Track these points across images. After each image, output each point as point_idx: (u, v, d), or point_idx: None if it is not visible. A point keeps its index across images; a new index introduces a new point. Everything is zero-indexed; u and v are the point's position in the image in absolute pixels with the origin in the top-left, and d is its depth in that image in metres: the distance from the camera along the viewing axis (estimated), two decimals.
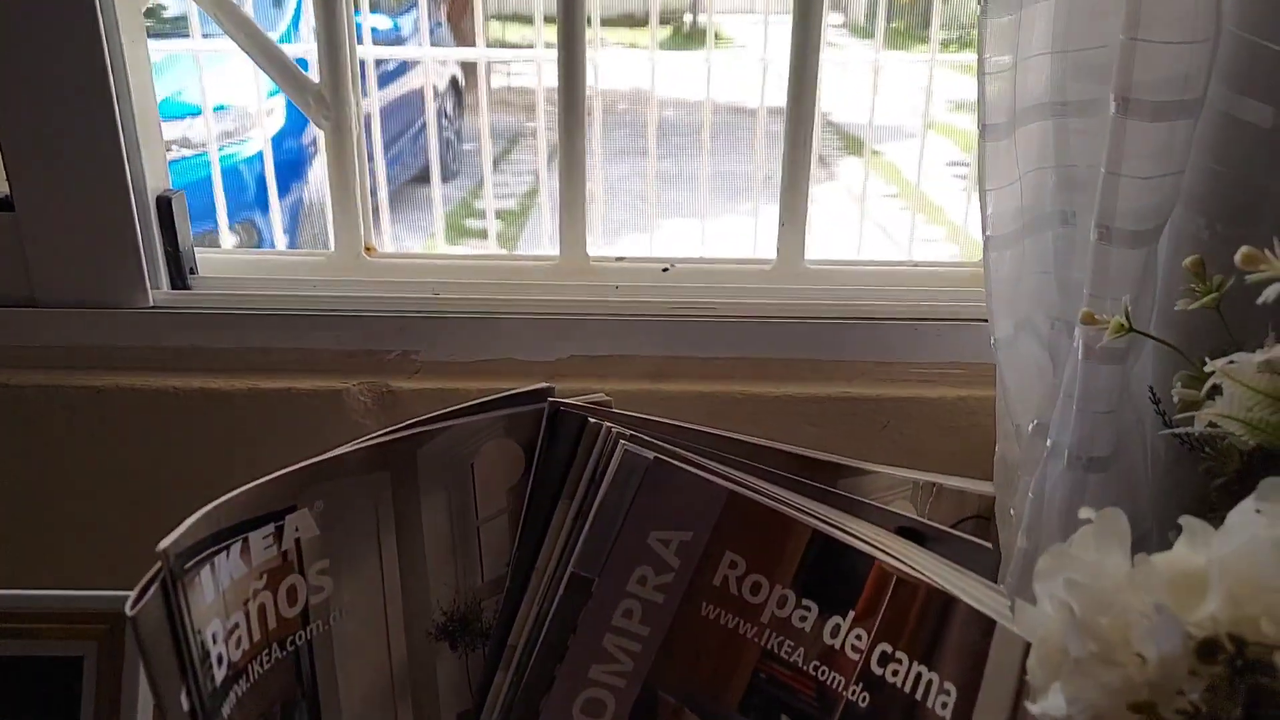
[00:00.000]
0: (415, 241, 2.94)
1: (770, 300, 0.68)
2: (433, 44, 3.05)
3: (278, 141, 2.24)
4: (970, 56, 0.52)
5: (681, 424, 0.55)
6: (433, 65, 2.77)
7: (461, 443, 0.53)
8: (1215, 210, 0.48)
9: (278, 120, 2.29)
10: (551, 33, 0.66)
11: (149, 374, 0.66)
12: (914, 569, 0.47)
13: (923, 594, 0.47)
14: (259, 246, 2.34)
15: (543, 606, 0.54)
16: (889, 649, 0.47)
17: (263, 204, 2.26)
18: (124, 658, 0.52)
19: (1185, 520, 0.35)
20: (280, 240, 2.34)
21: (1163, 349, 0.47)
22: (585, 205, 0.69)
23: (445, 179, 3.29)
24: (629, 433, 0.53)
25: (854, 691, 0.48)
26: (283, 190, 2.39)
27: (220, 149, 2.18)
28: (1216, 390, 0.40)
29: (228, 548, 0.45)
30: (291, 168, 2.40)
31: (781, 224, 0.69)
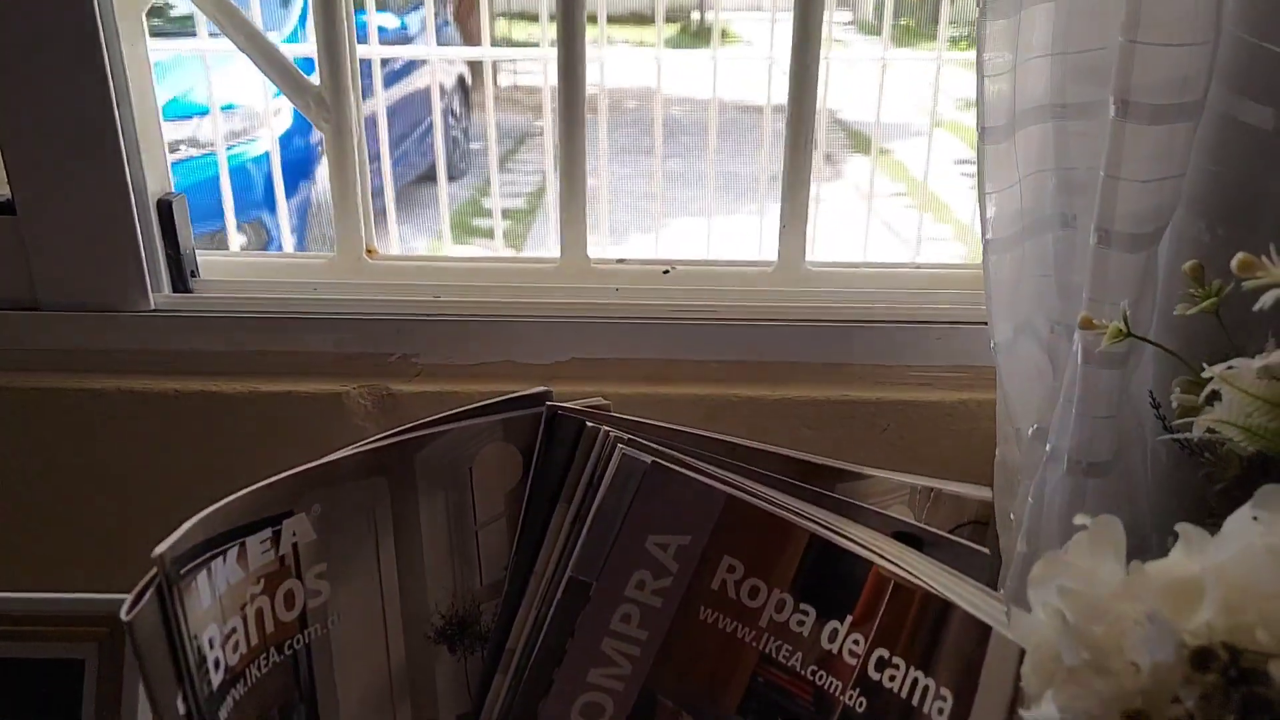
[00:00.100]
0: (422, 240, 2.94)
1: (771, 303, 0.67)
2: (440, 43, 3.05)
3: (285, 141, 2.25)
4: None
5: (680, 428, 0.55)
6: (440, 64, 2.77)
7: (459, 447, 0.53)
8: (1216, 213, 0.47)
9: (285, 119, 2.29)
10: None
11: (150, 377, 0.67)
12: (911, 574, 0.47)
13: (919, 599, 0.46)
14: (268, 246, 2.35)
15: (541, 610, 0.54)
16: (886, 654, 0.47)
17: (271, 203, 2.27)
18: (124, 661, 0.52)
19: (1181, 527, 0.35)
20: (288, 239, 2.34)
21: (1163, 353, 0.46)
22: (585, 208, 0.69)
23: (453, 178, 3.30)
24: (627, 436, 0.53)
25: (851, 696, 0.48)
26: (291, 189, 2.40)
27: (228, 148, 2.19)
28: (1215, 396, 0.40)
29: (224, 552, 0.45)
30: (299, 167, 2.40)
31: (783, 225, 0.68)
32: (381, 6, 2.75)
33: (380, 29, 2.50)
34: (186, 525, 0.43)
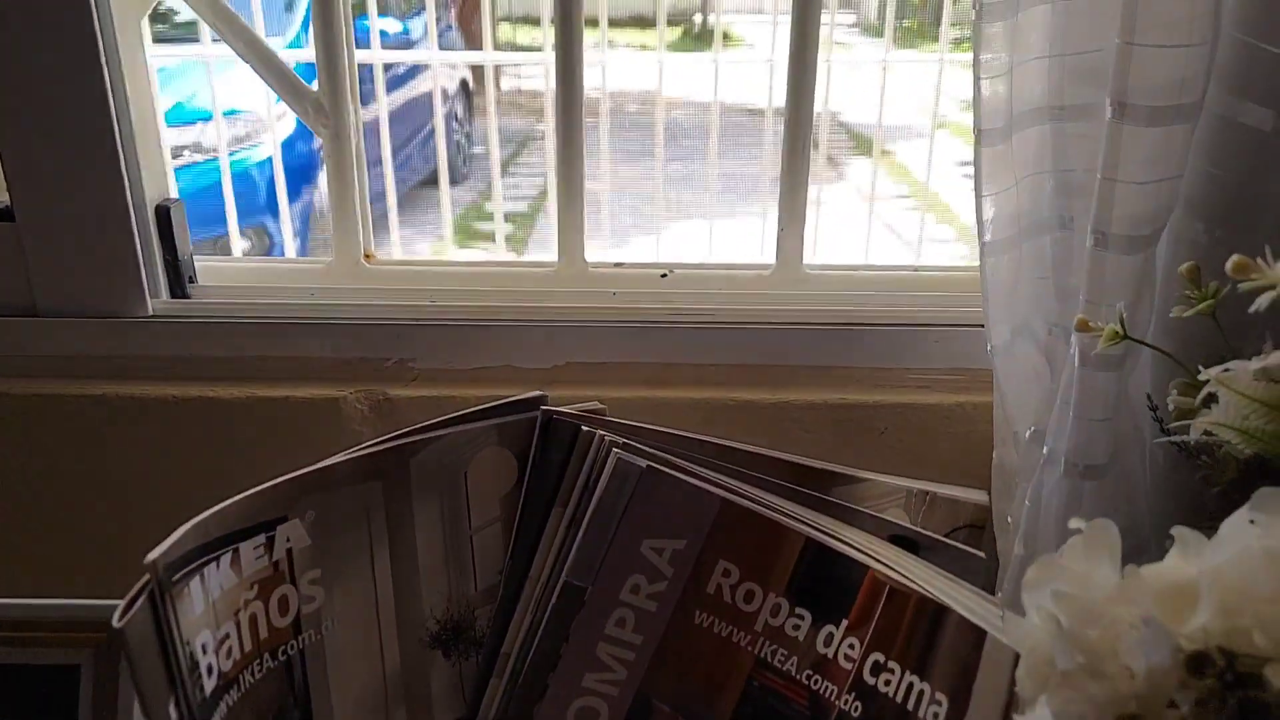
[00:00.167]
0: (426, 244, 2.95)
1: (769, 306, 0.67)
2: (442, 47, 3.06)
3: (288, 146, 2.26)
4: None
5: (675, 431, 0.55)
6: (443, 68, 2.78)
7: (454, 451, 0.53)
8: (1214, 215, 0.47)
9: (288, 125, 2.30)
10: None
11: (149, 382, 0.67)
12: (907, 578, 0.47)
13: (915, 603, 0.46)
14: (270, 250, 2.36)
15: (536, 615, 0.54)
16: (881, 658, 0.47)
17: (274, 208, 2.28)
18: (121, 666, 0.52)
19: (1177, 530, 0.34)
20: (291, 244, 2.35)
21: (1161, 355, 0.46)
22: (583, 212, 0.68)
23: (455, 182, 3.30)
24: (622, 440, 0.53)
25: (847, 701, 0.48)
26: (294, 194, 2.41)
27: (232, 154, 2.19)
28: (1212, 398, 0.39)
29: (218, 558, 0.45)
30: (302, 172, 2.41)
31: (781, 229, 0.68)
32: (384, 11, 2.75)
33: (383, 33, 2.51)
34: (179, 532, 0.42)
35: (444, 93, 3.04)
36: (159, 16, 0.67)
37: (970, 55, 0.50)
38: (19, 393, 0.66)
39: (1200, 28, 0.42)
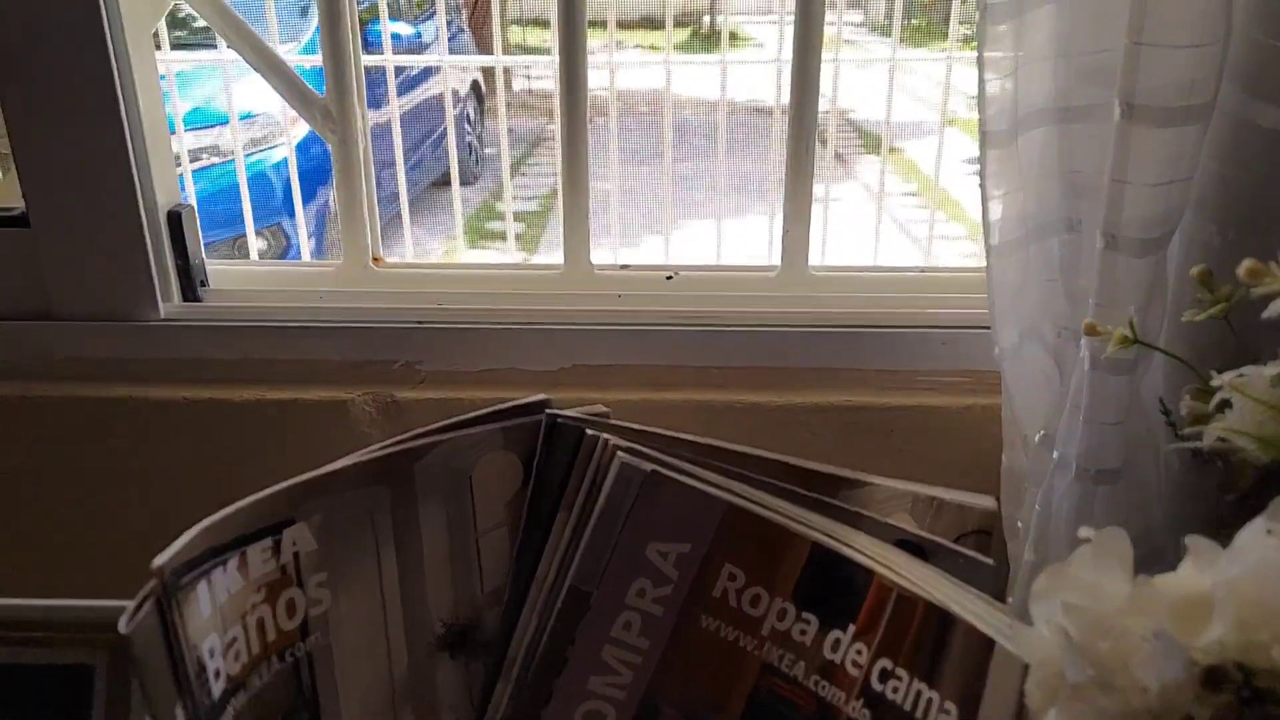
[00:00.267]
0: (438, 243, 2.96)
1: (774, 308, 0.67)
2: (454, 50, 3.07)
3: (304, 148, 2.27)
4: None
5: (679, 435, 0.55)
6: (454, 71, 2.79)
7: (459, 455, 0.53)
8: (1227, 217, 0.46)
9: (304, 127, 2.31)
10: None
11: (160, 385, 0.67)
12: (914, 584, 0.47)
13: (922, 610, 0.46)
14: (287, 250, 2.37)
15: (542, 618, 0.53)
16: (889, 665, 0.47)
17: (290, 209, 2.29)
18: (131, 668, 0.52)
19: (1191, 540, 0.34)
20: (306, 245, 2.36)
21: (1174, 358, 0.45)
22: (589, 216, 0.68)
23: (467, 182, 3.32)
24: (626, 444, 0.53)
25: (855, 708, 0.47)
26: (309, 195, 2.42)
27: (248, 156, 2.21)
28: (1227, 403, 0.39)
29: (225, 562, 0.45)
30: (318, 174, 2.43)
31: (786, 231, 0.68)
32: (395, 15, 2.76)
33: (394, 36, 2.52)
34: (187, 536, 0.43)
35: (455, 95, 3.05)
36: (178, 23, 0.68)
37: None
38: (33, 395, 0.67)
39: (1211, 27, 0.41)
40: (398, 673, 0.54)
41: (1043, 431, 0.52)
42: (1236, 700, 0.31)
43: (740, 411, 0.65)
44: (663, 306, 0.68)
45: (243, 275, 0.73)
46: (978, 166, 0.51)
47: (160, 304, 0.67)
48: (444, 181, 2.98)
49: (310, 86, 0.69)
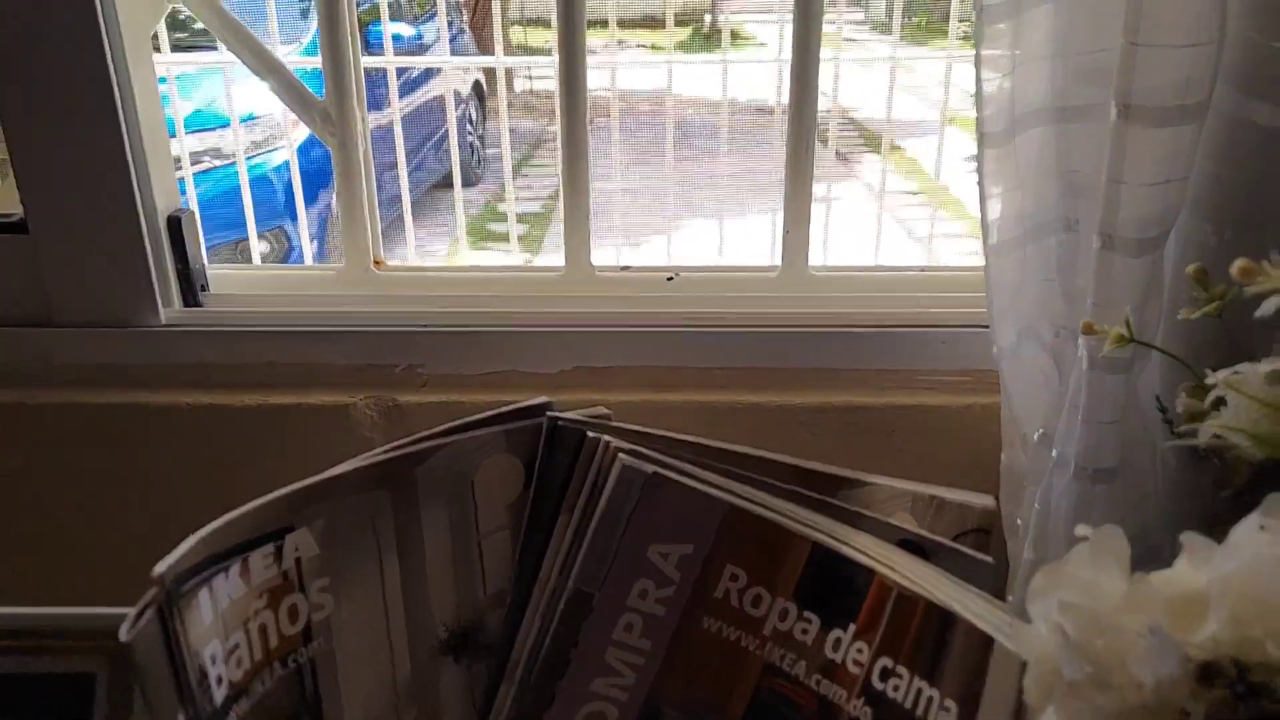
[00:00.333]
0: (441, 244, 2.96)
1: (775, 309, 0.67)
2: (455, 51, 3.07)
3: (305, 150, 2.28)
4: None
5: (680, 436, 0.55)
6: (455, 72, 2.79)
7: (461, 459, 0.53)
8: (1223, 216, 0.47)
9: (305, 129, 2.31)
10: None
11: (162, 391, 0.67)
12: (915, 583, 0.47)
13: (923, 609, 0.46)
14: (289, 253, 2.38)
15: (544, 621, 0.54)
16: (890, 664, 0.47)
17: (292, 212, 2.30)
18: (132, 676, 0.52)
19: (1186, 537, 0.34)
20: (308, 247, 2.37)
21: (1171, 356, 0.45)
22: (589, 218, 0.69)
23: (470, 183, 3.32)
24: (628, 446, 0.53)
25: (856, 706, 0.48)
26: (311, 198, 2.43)
27: (250, 158, 2.21)
28: (1222, 400, 0.39)
29: (226, 568, 0.45)
30: (320, 175, 2.43)
31: (786, 231, 0.68)
32: (397, 16, 2.77)
33: (395, 37, 2.52)
34: (188, 543, 0.43)
35: (457, 95, 3.05)
36: (178, 24, 0.68)
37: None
38: (34, 402, 0.67)
39: (1206, 26, 0.41)
40: (400, 677, 0.54)
41: (1041, 430, 0.52)
42: (1231, 695, 0.31)
43: (741, 412, 0.65)
44: (664, 308, 0.68)
45: (243, 280, 0.73)
46: (976, 165, 0.51)
47: (161, 309, 0.68)
48: (446, 183, 2.98)
49: (310, 89, 0.69)
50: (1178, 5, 0.41)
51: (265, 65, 0.69)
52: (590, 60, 0.66)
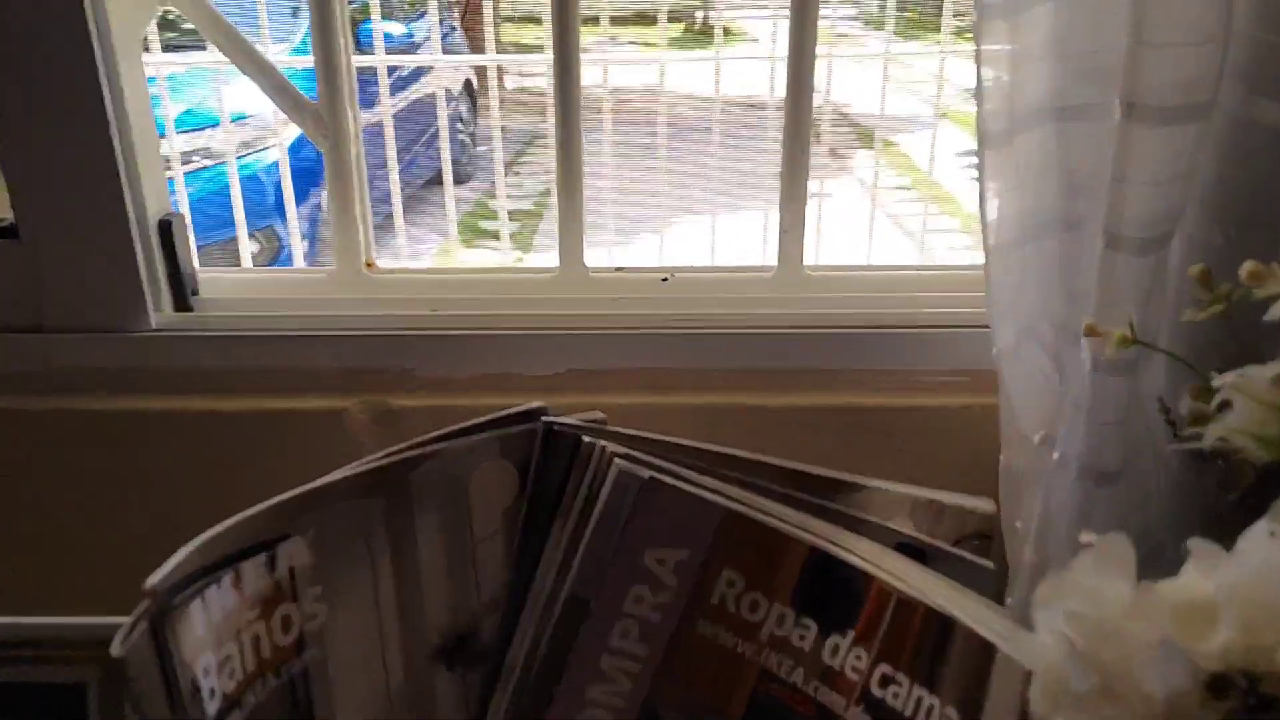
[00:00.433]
0: (432, 243, 2.95)
1: (771, 310, 0.66)
2: (446, 49, 3.05)
3: (295, 149, 2.26)
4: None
5: (677, 440, 0.54)
6: (447, 70, 2.77)
7: (455, 465, 0.53)
8: (1229, 215, 0.46)
9: (295, 129, 2.30)
10: None
11: (153, 396, 0.67)
12: (914, 589, 0.46)
13: (922, 615, 0.45)
14: (279, 252, 2.36)
15: (540, 627, 0.53)
16: (890, 670, 0.46)
17: (283, 211, 2.28)
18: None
19: (1193, 543, 0.33)
20: (299, 247, 2.36)
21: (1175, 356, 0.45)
22: (583, 219, 0.68)
23: (461, 181, 3.31)
24: (623, 451, 0.52)
25: (855, 714, 0.47)
26: (301, 197, 2.41)
27: (241, 158, 2.20)
28: (1227, 403, 0.38)
29: (219, 579, 0.44)
30: (310, 175, 2.42)
31: (782, 231, 0.67)
32: (387, 15, 2.75)
33: (386, 35, 2.51)
34: (180, 554, 0.42)
35: (448, 93, 3.04)
36: (168, 24, 0.67)
37: (971, 45, 0.49)
38: (27, 409, 0.66)
39: (1211, 24, 0.41)
40: (395, 685, 0.53)
41: (1042, 432, 0.52)
42: (1243, 706, 0.31)
43: (738, 414, 0.65)
44: (659, 309, 0.67)
45: (234, 283, 0.72)
46: (972, 161, 0.51)
47: (152, 314, 0.67)
48: (437, 181, 2.97)
49: (302, 92, 0.69)
50: (1183, 3, 0.41)
51: (257, 67, 0.68)
52: (582, 58, 0.65)
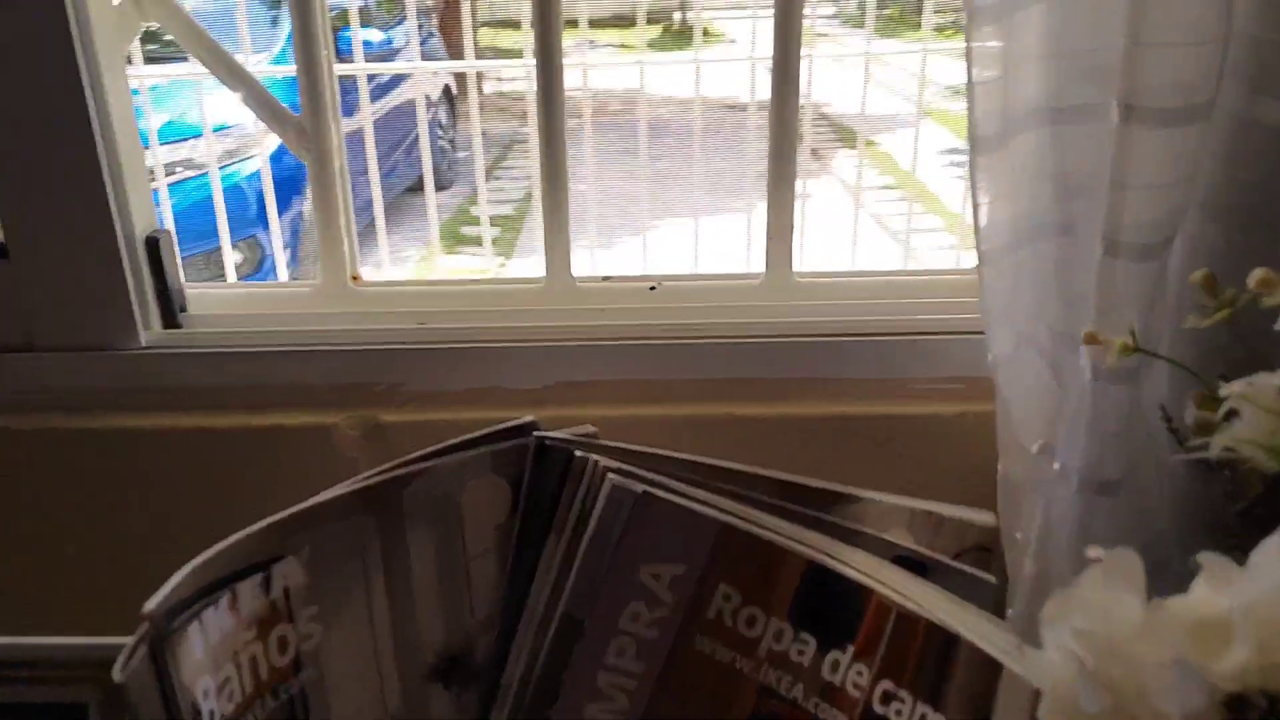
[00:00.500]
0: (414, 250, 2.93)
1: (760, 318, 0.66)
2: (425, 54, 3.03)
3: (276, 159, 2.24)
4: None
5: (670, 454, 0.53)
6: (426, 76, 2.76)
7: (446, 481, 0.52)
8: (1232, 218, 0.46)
9: (277, 138, 2.28)
10: None
11: (143, 414, 0.66)
12: (914, 603, 0.46)
13: (924, 630, 0.45)
14: (262, 262, 2.34)
15: (535, 645, 0.52)
16: (892, 687, 0.46)
17: (265, 221, 2.26)
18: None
19: (1204, 558, 0.33)
20: (281, 256, 2.33)
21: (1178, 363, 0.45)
22: (569, 227, 0.67)
23: (441, 187, 3.29)
24: (616, 465, 0.51)
25: None
26: (284, 206, 2.39)
27: (223, 168, 2.17)
28: (1234, 412, 0.38)
29: (216, 601, 0.44)
30: (292, 184, 2.40)
31: (769, 238, 0.67)
32: (366, 22, 2.73)
33: (365, 43, 2.48)
34: (177, 578, 0.41)
35: (427, 99, 3.02)
36: (150, 36, 0.66)
37: (952, 42, 0.48)
38: (16, 428, 0.65)
39: (1210, 24, 0.41)
40: (390, 704, 0.52)
41: (1041, 440, 0.51)
42: None
43: (730, 423, 0.64)
44: (647, 319, 0.66)
45: (222, 299, 0.71)
46: (956, 160, 0.51)
47: (141, 332, 0.66)
48: (417, 188, 2.95)
49: (283, 104, 0.68)
50: (1182, 3, 0.40)
51: (239, 81, 0.67)
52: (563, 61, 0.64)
